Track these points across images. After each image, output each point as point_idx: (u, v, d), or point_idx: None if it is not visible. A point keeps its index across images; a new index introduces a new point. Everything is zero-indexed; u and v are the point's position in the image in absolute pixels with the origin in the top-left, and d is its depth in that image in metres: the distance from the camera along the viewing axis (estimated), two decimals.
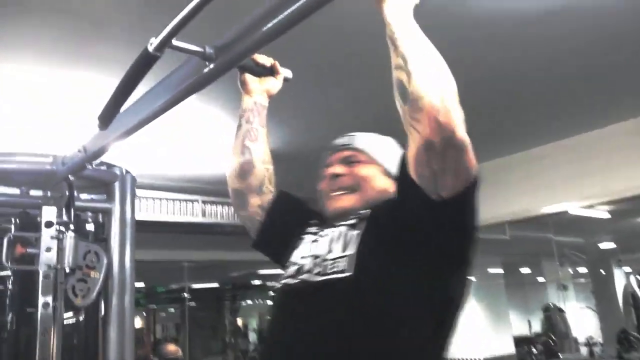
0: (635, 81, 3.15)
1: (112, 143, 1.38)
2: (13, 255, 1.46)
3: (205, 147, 3.75)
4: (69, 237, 1.47)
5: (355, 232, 1.19)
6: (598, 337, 6.72)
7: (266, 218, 1.41)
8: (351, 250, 1.15)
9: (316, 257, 1.21)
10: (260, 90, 1.46)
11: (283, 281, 1.26)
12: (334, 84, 2.90)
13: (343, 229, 1.22)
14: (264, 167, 1.43)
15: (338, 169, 1.32)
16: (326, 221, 1.31)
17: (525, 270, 8.00)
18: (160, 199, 4.53)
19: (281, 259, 1.33)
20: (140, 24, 2.03)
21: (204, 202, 4.76)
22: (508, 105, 3.39)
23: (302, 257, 1.24)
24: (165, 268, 6.78)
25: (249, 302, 10.02)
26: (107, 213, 1.68)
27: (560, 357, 6.38)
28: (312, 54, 2.51)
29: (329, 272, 1.15)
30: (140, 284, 7.69)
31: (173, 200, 4.60)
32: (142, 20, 2.07)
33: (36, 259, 1.45)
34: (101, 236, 1.69)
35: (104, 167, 1.73)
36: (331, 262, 1.16)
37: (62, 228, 1.49)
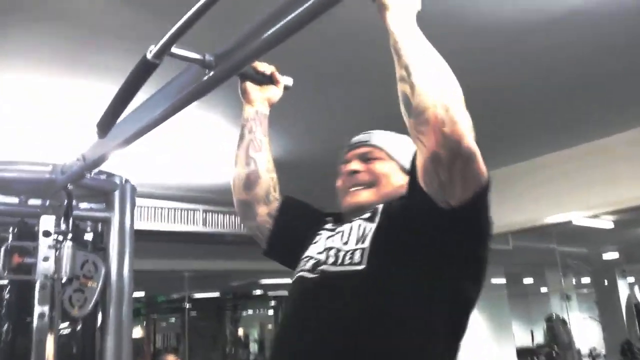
0: (638, 90, 3.14)
1: (112, 152, 1.38)
2: (10, 264, 1.45)
3: (206, 155, 3.74)
4: (67, 247, 1.46)
5: (371, 225, 1.19)
6: (601, 348, 6.68)
7: (275, 225, 1.41)
8: (366, 244, 1.16)
9: (332, 249, 1.21)
10: (262, 99, 1.45)
11: (299, 274, 1.25)
12: (335, 91, 2.89)
13: (360, 222, 1.22)
14: (269, 176, 1.43)
15: (355, 165, 1.32)
16: (342, 218, 1.32)
17: (528, 280, 7.96)
18: (161, 208, 4.52)
19: (294, 265, 1.32)
20: (139, 32, 2.02)
21: (205, 211, 4.75)
22: (511, 114, 3.38)
23: (319, 252, 1.24)
24: (166, 277, 6.76)
25: (250, 312, 9.98)
26: (106, 222, 1.67)
27: None
28: (313, 62, 2.50)
29: (346, 263, 1.15)
30: (140, 294, 7.68)
31: (174, 209, 4.59)
32: (141, 28, 2.06)
33: (33, 269, 1.43)
34: (100, 245, 1.67)
35: (103, 176, 1.72)
36: (345, 253, 1.17)
37: (60, 237, 1.48)
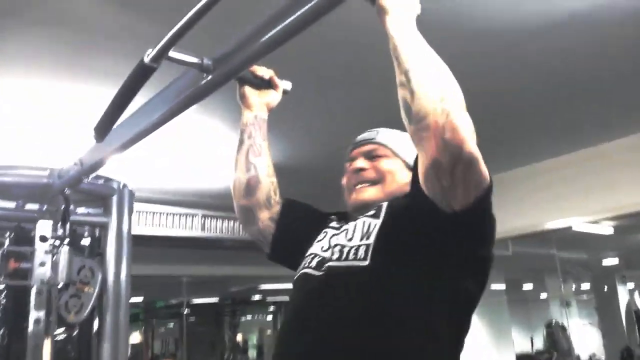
0: (638, 96, 3.13)
1: (109, 156, 1.37)
2: (6, 270, 1.44)
3: (205, 160, 3.73)
4: (64, 252, 1.44)
5: (376, 222, 1.20)
6: (601, 354, 6.65)
7: (278, 229, 1.41)
8: (371, 240, 1.16)
9: (336, 246, 1.22)
10: (260, 104, 1.44)
11: (303, 271, 1.25)
12: (335, 95, 2.89)
13: (364, 219, 1.23)
14: (269, 180, 1.42)
15: (361, 162, 1.33)
16: (347, 216, 1.32)
17: (528, 286, 7.94)
18: (160, 213, 4.50)
19: (298, 265, 1.32)
20: (138, 36, 2.02)
21: (204, 216, 4.74)
22: (511, 119, 3.37)
23: (324, 249, 1.25)
24: (165, 283, 6.74)
25: (249, 317, 9.94)
26: (104, 227, 1.66)
27: None
28: (313, 65, 2.50)
29: (350, 258, 1.16)
30: (139, 299, 7.65)
31: (172, 214, 4.58)
32: (140, 32, 2.06)
33: (29, 274, 1.42)
34: (97, 251, 1.66)
35: (101, 181, 1.71)
36: (350, 249, 1.18)
37: (57, 242, 1.47)
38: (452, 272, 1.11)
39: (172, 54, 0.96)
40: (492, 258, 1.14)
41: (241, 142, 1.43)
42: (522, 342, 6.95)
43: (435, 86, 0.96)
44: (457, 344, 1.14)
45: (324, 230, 1.32)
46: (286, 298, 1.27)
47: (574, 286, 7.22)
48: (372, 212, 1.23)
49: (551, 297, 7.22)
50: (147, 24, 2.01)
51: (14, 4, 1.90)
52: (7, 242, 1.56)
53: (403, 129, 1.03)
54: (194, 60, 1.00)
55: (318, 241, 1.30)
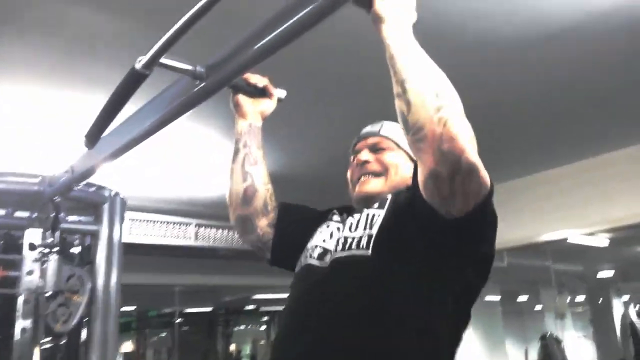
0: (635, 107, 3.14)
1: (101, 164, 1.35)
2: None
3: (198, 168, 3.71)
4: (53, 260, 1.42)
5: (379, 213, 1.20)
6: None
7: (277, 233, 1.41)
8: (374, 230, 1.17)
9: (339, 237, 1.22)
10: (255, 112, 1.43)
11: (307, 262, 1.25)
12: (331, 103, 2.88)
13: (368, 211, 1.23)
14: (265, 188, 1.41)
15: (365, 155, 1.33)
16: (351, 210, 1.32)
17: (522, 298, 7.92)
18: (153, 222, 4.48)
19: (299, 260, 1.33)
20: (130, 43, 2.00)
21: (197, 225, 4.71)
22: (506, 131, 3.37)
23: (326, 240, 1.25)
24: (157, 292, 6.69)
25: (242, 327, 9.88)
26: (95, 235, 1.64)
27: None
28: (309, 74, 2.49)
29: (353, 247, 1.16)
30: (132, 308, 7.59)
31: (166, 222, 4.55)
32: (132, 39, 2.04)
33: (17, 282, 1.39)
34: (87, 259, 1.64)
35: (93, 189, 1.69)
36: (353, 239, 1.18)
37: (46, 250, 1.44)
38: (452, 274, 1.11)
39: (165, 60, 0.95)
40: (493, 255, 1.14)
41: (236, 151, 1.42)
42: (516, 354, 6.91)
43: (431, 95, 0.94)
44: (456, 341, 1.14)
45: (325, 223, 1.33)
46: (280, 308, 1.26)
47: (569, 298, 7.21)
48: (376, 205, 1.24)
49: (546, 309, 7.20)
50: (139, 31, 1.99)
51: (5, 11, 1.88)
52: None
53: None
54: (187, 67, 0.99)
55: (320, 233, 1.30)
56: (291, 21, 0.84)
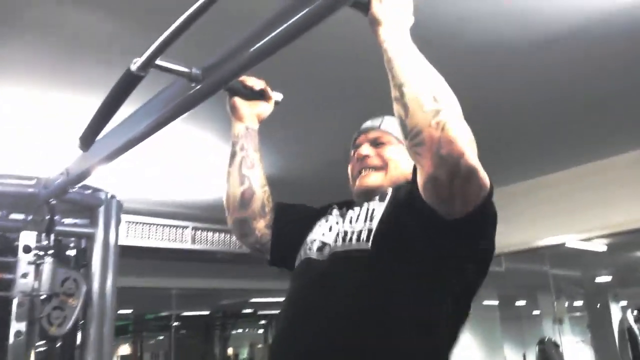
0: (635, 112, 3.13)
1: (96, 166, 1.34)
2: None
3: (195, 171, 3.70)
4: (47, 263, 1.41)
5: (380, 206, 1.21)
6: None
7: (274, 234, 1.41)
8: (374, 224, 1.17)
9: (339, 230, 1.23)
10: (251, 115, 1.42)
11: (307, 256, 1.25)
12: (328, 107, 2.87)
13: (369, 204, 1.24)
14: (262, 190, 1.41)
15: (365, 150, 1.33)
16: (351, 204, 1.32)
17: (520, 302, 7.91)
18: (150, 224, 4.46)
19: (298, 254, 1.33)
20: (126, 45, 1.99)
21: (194, 228, 4.70)
22: (506, 135, 3.37)
23: (325, 234, 1.26)
24: (154, 295, 6.66)
25: (240, 331, 9.85)
26: (90, 238, 1.63)
27: None
28: (306, 77, 2.49)
29: (353, 241, 1.17)
30: (128, 311, 7.56)
31: (163, 225, 4.54)
32: (128, 41, 2.04)
33: (12, 285, 1.38)
34: (83, 262, 1.63)
35: (88, 191, 1.69)
36: (353, 232, 1.19)
37: (41, 253, 1.43)
38: (452, 274, 1.11)
39: (160, 62, 0.94)
40: (493, 250, 1.14)
41: (233, 154, 1.41)
42: (514, 358, 6.89)
43: (429, 99, 0.94)
44: (455, 338, 1.14)
45: (324, 217, 1.33)
46: (278, 312, 1.26)
47: (566, 303, 7.19)
48: (376, 198, 1.24)
49: (544, 313, 7.18)
50: (135, 33, 1.99)
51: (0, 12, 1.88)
52: None
53: None
54: (183, 69, 0.99)
55: (319, 227, 1.30)
56: (288, 23, 0.83)
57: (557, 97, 2.86)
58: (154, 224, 4.46)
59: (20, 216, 1.55)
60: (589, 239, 4.32)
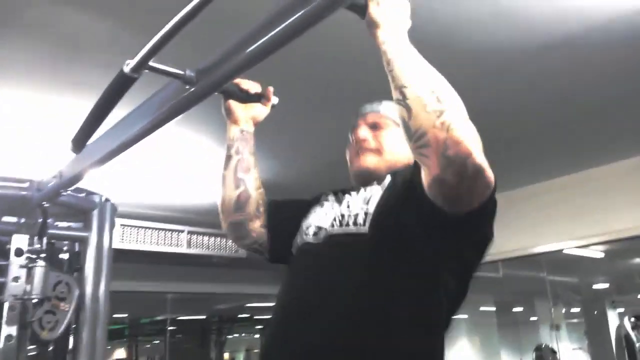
0: (634, 119, 3.13)
1: (89, 169, 1.33)
2: None
3: (191, 175, 3.69)
4: (39, 267, 1.39)
5: (377, 190, 1.21)
6: None
7: (270, 232, 1.40)
8: (371, 207, 1.17)
9: (335, 215, 1.23)
10: (246, 118, 1.41)
11: (303, 240, 1.26)
12: (324, 111, 2.86)
13: (367, 188, 1.24)
14: (257, 192, 1.40)
15: (363, 133, 1.33)
16: (346, 190, 1.32)
17: (518, 309, 7.89)
18: (145, 228, 4.45)
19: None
20: (120, 47, 1.99)
21: (190, 233, 4.68)
22: (504, 141, 3.35)
23: (322, 219, 1.26)
24: (150, 299, 6.64)
25: (236, 335, 9.81)
26: (83, 242, 1.61)
27: None
28: (302, 81, 2.48)
29: (350, 224, 1.17)
30: (124, 315, 7.53)
31: (158, 229, 4.52)
32: (122, 42, 2.03)
33: (3, 289, 1.37)
34: (76, 266, 1.61)
35: (82, 195, 1.67)
36: (349, 216, 1.19)
37: (33, 256, 1.42)
38: (451, 261, 1.11)
39: (154, 64, 0.93)
40: (492, 236, 1.13)
41: (228, 157, 1.40)
42: None
43: (432, 100, 0.92)
44: (447, 325, 1.14)
45: (318, 204, 1.33)
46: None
47: (564, 310, 7.18)
48: (374, 184, 1.24)
49: (541, 320, 7.17)
50: (134, 35, 1.97)
51: None
52: None
53: None
54: (176, 71, 0.97)
55: (314, 213, 1.31)
56: (283, 25, 0.82)
57: (557, 103, 2.86)
58: (149, 228, 4.44)
59: (12, 219, 1.53)
60: (586, 246, 4.32)
